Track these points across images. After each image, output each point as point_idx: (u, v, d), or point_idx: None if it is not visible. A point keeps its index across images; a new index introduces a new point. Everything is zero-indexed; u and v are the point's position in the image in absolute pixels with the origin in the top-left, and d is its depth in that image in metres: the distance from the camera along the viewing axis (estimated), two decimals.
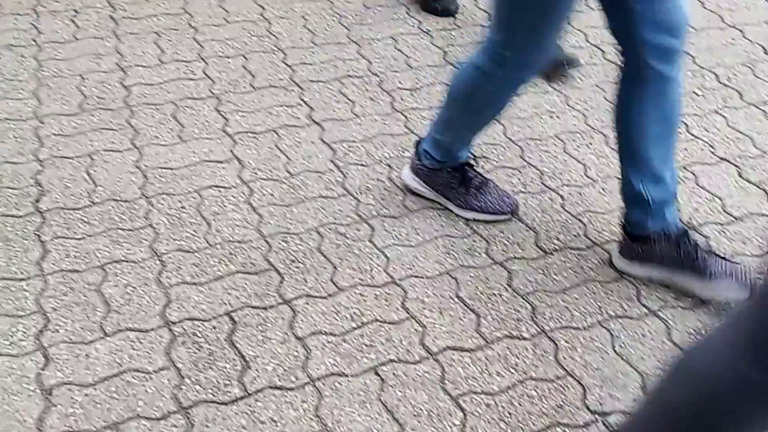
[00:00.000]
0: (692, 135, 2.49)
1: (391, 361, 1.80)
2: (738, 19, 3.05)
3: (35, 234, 2.12)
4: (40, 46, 2.90)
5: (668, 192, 1.93)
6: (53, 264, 2.03)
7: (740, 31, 2.97)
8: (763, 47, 2.89)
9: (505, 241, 2.13)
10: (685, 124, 2.52)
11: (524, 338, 1.87)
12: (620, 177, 1.97)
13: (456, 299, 1.96)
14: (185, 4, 3.17)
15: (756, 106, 2.60)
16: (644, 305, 1.96)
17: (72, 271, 2.01)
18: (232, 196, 2.27)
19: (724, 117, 2.56)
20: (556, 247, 2.12)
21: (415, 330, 1.88)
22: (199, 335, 1.84)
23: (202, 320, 1.88)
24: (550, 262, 2.07)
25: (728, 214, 2.24)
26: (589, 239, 2.14)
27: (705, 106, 2.61)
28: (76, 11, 3.11)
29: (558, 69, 2.68)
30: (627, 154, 1.94)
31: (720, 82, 2.72)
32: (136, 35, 2.98)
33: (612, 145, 2.42)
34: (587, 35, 2.95)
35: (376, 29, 3.04)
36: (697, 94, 2.66)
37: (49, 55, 2.86)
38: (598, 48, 2.86)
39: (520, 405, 1.71)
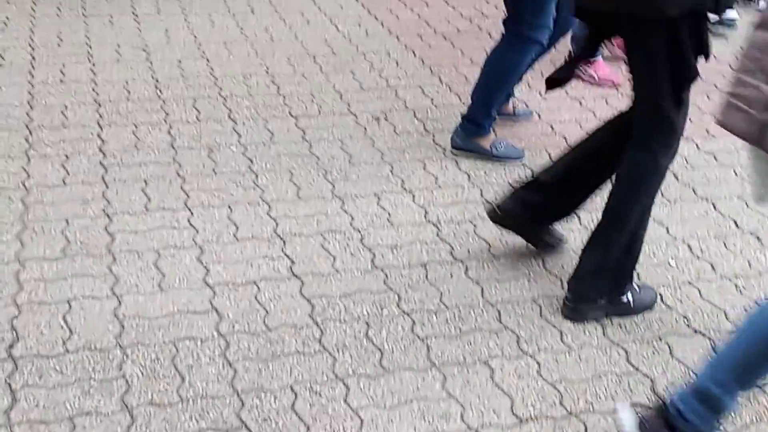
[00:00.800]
0: (666, 305, 2.53)
1: None
2: (710, 192, 3.16)
3: (6, 381, 2.09)
4: (29, 190, 2.95)
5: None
6: (21, 414, 1.99)
7: (712, 204, 3.07)
8: (734, 220, 2.98)
9: (481, 407, 2.11)
10: (660, 294, 2.56)
11: None
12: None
13: None
14: (175, 154, 3.26)
15: (729, 279, 2.66)
16: None
17: (40, 422, 1.97)
18: (208, 348, 2.26)
19: (697, 289, 2.61)
20: (532, 415, 2.10)
21: None
22: None
23: None
24: (525, 431, 2.05)
25: None
26: (565, 408, 2.13)
27: (679, 277, 2.66)
28: (67, 156, 3.18)
29: (546, 245, 2.75)
30: None
31: (693, 254, 2.78)
32: (124, 182, 3.04)
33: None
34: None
35: (359, 186, 3.11)
36: (670, 265, 2.72)
37: (36, 199, 2.90)
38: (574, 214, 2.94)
39: None
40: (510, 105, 3.57)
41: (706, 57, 2.23)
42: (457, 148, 3.32)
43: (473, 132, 3.30)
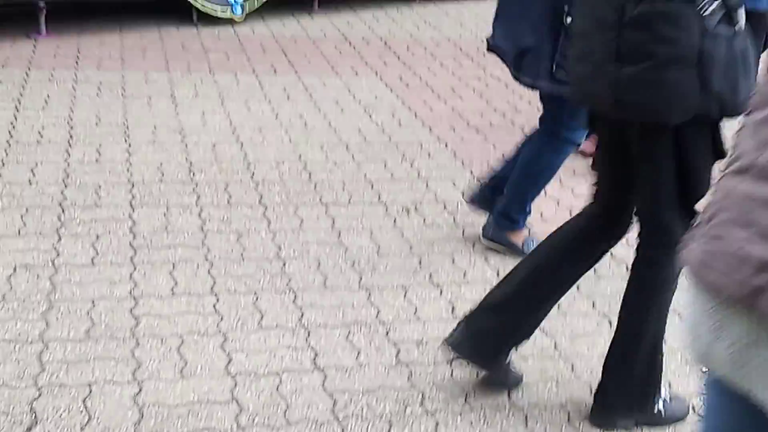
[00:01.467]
0: (700, 416, 2.45)
1: None
2: None
3: None
4: (57, 268, 2.96)
5: None
6: None
7: None
8: None
9: None
10: (692, 405, 2.49)
11: None
12: None
13: None
14: (204, 237, 3.26)
15: None
16: None
17: None
18: None
19: None
20: None
21: None
22: None
23: None
24: None
25: None
26: None
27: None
28: (97, 236, 3.20)
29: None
30: None
31: None
32: (153, 265, 3.04)
33: None
34: (595, 303, 2.99)
35: (387, 277, 3.09)
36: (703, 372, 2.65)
37: (64, 278, 2.90)
38: (606, 316, 2.89)
39: None
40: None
41: (723, 157, 2.17)
42: (487, 239, 3.31)
43: (506, 226, 3.29)
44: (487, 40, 3.24)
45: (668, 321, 2.33)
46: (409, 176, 3.95)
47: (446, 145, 4.35)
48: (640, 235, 2.33)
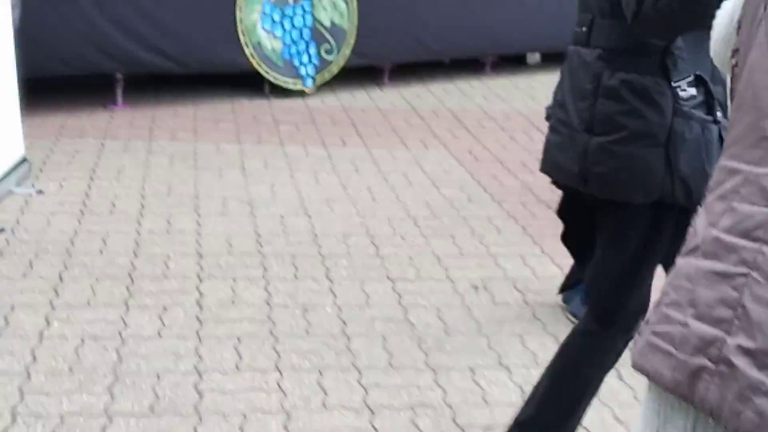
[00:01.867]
0: None
1: None
2: None
3: None
4: (124, 340, 2.96)
5: None
6: None
7: None
8: None
9: None
10: None
11: None
12: None
13: None
14: (270, 311, 3.24)
15: None
16: None
17: None
18: None
19: None
20: None
21: None
22: None
23: None
24: None
25: None
26: None
27: None
28: (164, 308, 3.20)
29: None
30: None
31: None
32: (218, 338, 3.02)
33: None
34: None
35: (454, 358, 3.01)
36: None
37: (131, 350, 2.90)
38: None
39: None
40: None
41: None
42: (568, 307, 3.25)
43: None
44: (546, 109, 3.18)
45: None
46: (478, 252, 3.88)
47: (516, 221, 4.28)
48: (590, 307, 2.26)
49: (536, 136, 5.71)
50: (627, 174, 2.02)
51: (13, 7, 4.28)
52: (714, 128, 2.00)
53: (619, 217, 2.11)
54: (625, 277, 2.15)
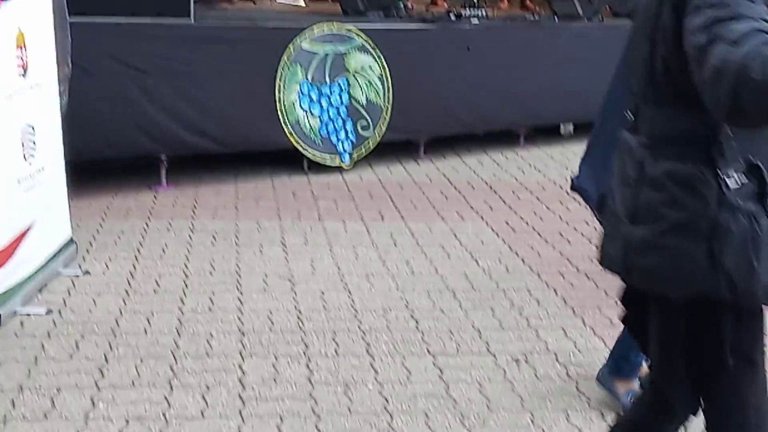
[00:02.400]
0: None
1: None
2: None
3: None
4: (168, 421, 2.98)
5: None
6: None
7: None
8: None
9: None
10: None
11: None
12: None
13: None
14: (312, 389, 3.25)
15: None
16: None
17: None
18: None
19: None
20: None
21: None
22: None
23: None
24: None
25: None
26: None
27: None
28: (207, 387, 3.22)
29: None
30: None
31: None
32: (261, 418, 3.03)
33: None
34: None
35: None
36: None
37: (174, 431, 2.92)
38: None
39: None
40: None
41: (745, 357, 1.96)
42: (598, 380, 3.21)
43: (616, 371, 3.17)
44: (572, 179, 3.18)
45: None
46: (518, 325, 3.88)
47: (556, 292, 4.27)
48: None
49: (572, 206, 5.73)
50: (668, 267, 1.92)
51: (61, 94, 4.45)
52: (765, 221, 1.88)
53: (662, 310, 2.03)
54: (673, 369, 2.07)
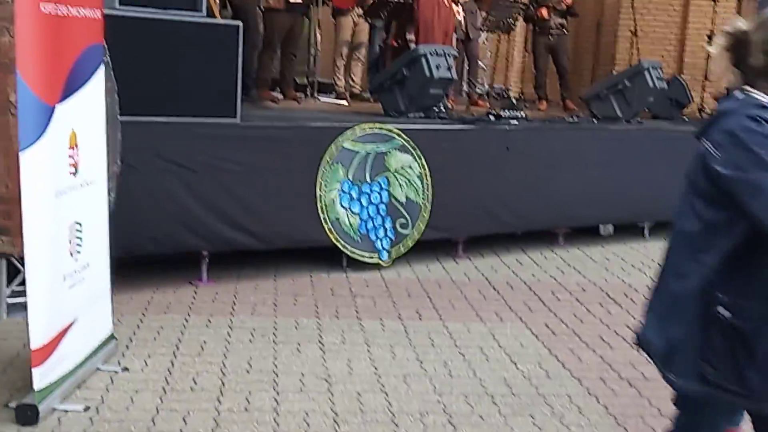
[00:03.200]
0: None
1: None
2: None
3: None
4: None
5: None
6: None
7: None
8: None
9: None
10: None
11: None
12: None
13: None
14: None
15: None
16: None
17: None
18: None
19: None
20: None
21: None
22: None
23: None
24: None
25: None
26: None
27: None
28: None
29: None
30: None
31: None
32: None
33: None
34: None
35: None
36: None
37: None
38: None
39: None
40: None
41: None
42: None
43: None
44: (637, 333, 3.00)
45: None
46: None
47: (597, 399, 4.19)
48: None
49: (613, 309, 5.68)
50: None
51: (109, 191, 4.56)
52: None
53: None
54: None
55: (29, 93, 3.52)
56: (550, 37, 10.03)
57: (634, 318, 5.46)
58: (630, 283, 6.41)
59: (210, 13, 6.91)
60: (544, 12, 9.96)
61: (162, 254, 5.77)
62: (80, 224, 4.06)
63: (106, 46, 4.35)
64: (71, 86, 3.90)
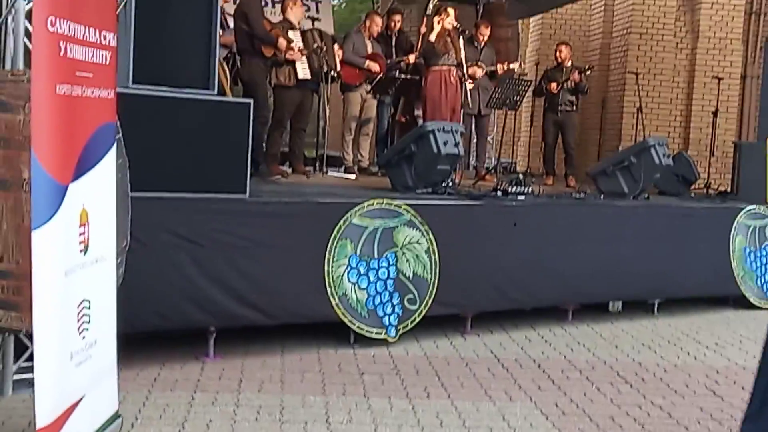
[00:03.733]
0: None
1: None
2: None
3: None
4: None
5: None
6: None
7: None
8: None
9: None
10: None
11: None
12: None
13: None
14: None
15: None
16: None
17: None
18: None
19: None
20: None
21: None
22: None
23: None
24: None
25: None
26: None
27: None
28: None
29: None
30: None
31: None
32: None
33: None
34: None
35: None
36: None
37: None
38: None
39: None
40: None
41: None
42: None
43: None
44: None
45: None
46: None
47: None
48: None
49: (623, 389, 5.61)
50: None
51: (118, 266, 4.56)
52: None
53: None
54: None
55: (43, 173, 3.56)
56: (558, 113, 10.17)
57: (645, 398, 5.39)
58: (640, 361, 6.35)
59: (221, 90, 7.05)
60: (554, 87, 10.12)
61: (169, 330, 5.74)
62: (89, 301, 4.05)
63: (118, 123, 4.42)
64: (84, 165, 3.94)
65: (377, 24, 9.58)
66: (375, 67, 9.30)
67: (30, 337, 4.26)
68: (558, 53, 10.40)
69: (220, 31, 6.88)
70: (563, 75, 10.17)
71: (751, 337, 7.29)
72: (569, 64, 10.30)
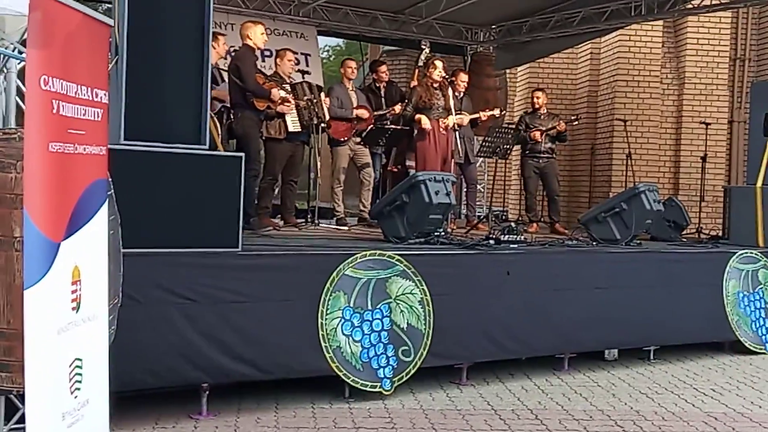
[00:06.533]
0: None
1: None
2: None
3: None
4: None
5: None
6: None
7: None
8: None
9: None
10: None
11: None
12: None
13: None
14: None
15: None
16: None
17: None
18: None
19: None
20: None
21: None
22: None
23: None
24: None
25: None
26: None
27: None
28: None
29: None
30: None
31: None
32: None
33: None
34: None
35: None
36: None
37: None
38: None
39: None
40: None
41: None
42: None
43: None
44: None
45: None
46: None
47: None
48: None
49: None
50: None
51: (109, 323, 4.52)
52: None
53: None
54: None
55: (36, 230, 3.53)
56: (540, 160, 10.25)
57: None
58: (638, 409, 6.29)
59: (213, 143, 7.06)
60: (537, 135, 10.20)
61: (161, 387, 5.66)
62: (81, 360, 3.99)
63: (110, 179, 4.41)
64: (76, 222, 3.92)
65: (351, 67, 9.75)
66: (365, 114, 9.39)
67: (21, 397, 4.19)
68: (535, 99, 10.51)
69: (214, 86, 6.92)
70: (543, 122, 10.26)
71: (747, 382, 7.25)
72: (545, 111, 10.41)
